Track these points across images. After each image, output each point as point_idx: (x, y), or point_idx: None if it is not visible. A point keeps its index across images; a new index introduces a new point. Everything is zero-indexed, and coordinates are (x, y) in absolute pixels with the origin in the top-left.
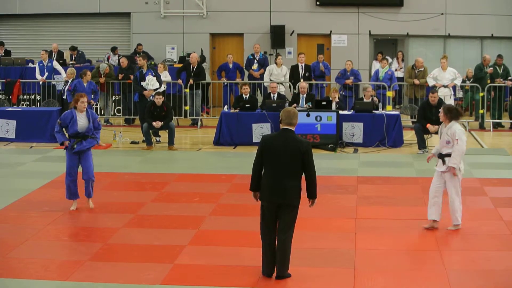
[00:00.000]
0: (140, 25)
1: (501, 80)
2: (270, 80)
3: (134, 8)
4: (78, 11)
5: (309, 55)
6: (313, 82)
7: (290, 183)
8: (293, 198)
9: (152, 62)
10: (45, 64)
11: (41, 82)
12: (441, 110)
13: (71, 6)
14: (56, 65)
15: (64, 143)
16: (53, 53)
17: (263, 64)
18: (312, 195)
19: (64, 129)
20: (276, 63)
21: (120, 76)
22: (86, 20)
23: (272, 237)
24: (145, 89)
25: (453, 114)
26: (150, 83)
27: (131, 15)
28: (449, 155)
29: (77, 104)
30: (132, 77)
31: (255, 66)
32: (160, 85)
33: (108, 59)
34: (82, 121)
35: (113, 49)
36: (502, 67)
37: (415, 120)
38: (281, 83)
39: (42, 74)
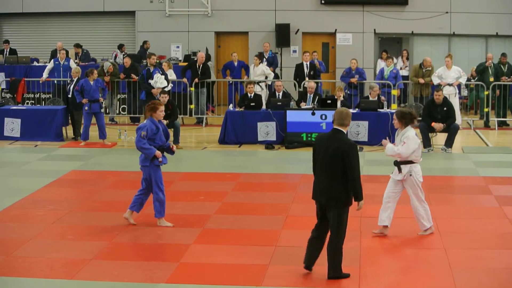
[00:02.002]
0: (145, 24)
1: (506, 78)
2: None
3: (139, 7)
4: (83, 9)
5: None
6: (321, 81)
7: (331, 183)
8: (333, 199)
9: (158, 61)
10: (62, 63)
11: (55, 81)
12: (394, 115)
13: (75, 4)
14: (72, 64)
15: (157, 155)
16: (58, 52)
17: (272, 62)
18: (355, 197)
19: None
20: (254, 63)
21: (122, 76)
22: (90, 18)
23: (315, 234)
24: (153, 87)
25: (407, 119)
26: (159, 81)
27: (136, 14)
28: (404, 162)
29: (155, 112)
30: (134, 76)
31: (263, 65)
32: (168, 84)
33: (115, 57)
34: (165, 131)
35: (120, 46)
36: (506, 65)
37: (420, 118)
38: (258, 83)
39: (57, 73)
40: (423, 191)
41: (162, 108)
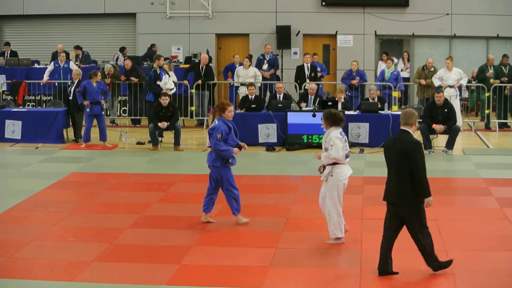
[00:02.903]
0: (145, 26)
1: (505, 79)
2: (240, 81)
3: (140, 9)
4: (84, 11)
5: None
6: (322, 82)
7: (399, 183)
8: (403, 198)
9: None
10: (62, 65)
11: (56, 83)
12: (322, 115)
13: (76, 6)
14: (72, 66)
15: (235, 151)
16: (58, 54)
17: (273, 64)
18: (422, 194)
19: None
20: (243, 65)
21: (123, 78)
22: (91, 20)
23: (386, 237)
24: (161, 89)
25: (333, 120)
26: (168, 82)
27: (137, 16)
28: (328, 164)
29: (224, 113)
30: (133, 78)
31: (265, 67)
32: (175, 86)
33: (117, 60)
34: (234, 131)
35: (122, 49)
36: (508, 67)
37: (421, 120)
38: (251, 85)
39: (58, 75)
40: (340, 196)
41: (231, 108)
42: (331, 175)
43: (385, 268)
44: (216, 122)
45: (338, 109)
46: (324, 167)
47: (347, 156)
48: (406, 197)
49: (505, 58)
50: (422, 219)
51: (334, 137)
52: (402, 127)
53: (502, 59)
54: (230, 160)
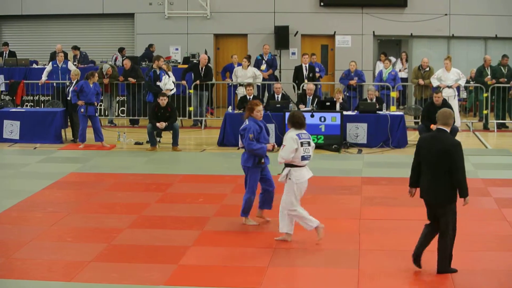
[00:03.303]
0: (144, 26)
1: (505, 80)
2: (238, 81)
3: (138, 9)
4: (82, 12)
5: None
6: (320, 83)
7: (437, 182)
8: (441, 196)
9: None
10: (60, 65)
11: (54, 83)
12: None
13: (74, 6)
14: (70, 66)
15: (269, 147)
16: (57, 54)
17: (271, 64)
18: (461, 194)
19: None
20: (242, 65)
21: (121, 79)
22: (90, 21)
23: (426, 230)
24: (161, 89)
25: (291, 121)
26: (168, 83)
27: (135, 16)
28: (287, 165)
29: (252, 112)
30: (131, 79)
31: (263, 67)
32: (174, 86)
33: (115, 60)
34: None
35: (121, 50)
36: (506, 67)
37: (419, 120)
38: (250, 85)
39: (56, 75)
40: (298, 200)
41: (259, 107)
42: (289, 178)
43: (416, 258)
44: (247, 123)
45: (337, 109)
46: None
47: (304, 159)
48: (444, 196)
49: (505, 58)
50: (455, 220)
51: (289, 137)
52: (441, 127)
53: (502, 60)
54: (263, 160)
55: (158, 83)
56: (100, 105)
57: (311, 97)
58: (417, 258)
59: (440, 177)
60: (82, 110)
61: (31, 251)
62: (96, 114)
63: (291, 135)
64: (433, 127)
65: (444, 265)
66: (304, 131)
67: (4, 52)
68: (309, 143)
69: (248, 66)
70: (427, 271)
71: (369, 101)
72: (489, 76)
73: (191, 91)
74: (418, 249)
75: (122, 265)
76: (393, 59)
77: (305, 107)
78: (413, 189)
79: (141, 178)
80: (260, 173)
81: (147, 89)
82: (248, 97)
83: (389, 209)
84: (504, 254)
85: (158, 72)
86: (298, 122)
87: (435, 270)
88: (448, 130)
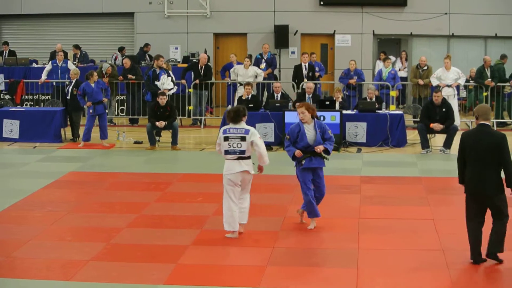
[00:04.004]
0: (144, 25)
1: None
2: (239, 80)
3: (138, 8)
4: (82, 11)
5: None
6: (320, 82)
7: (487, 175)
8: (492, 189)
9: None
10: (60, 64)
11: (54, 83)
12: None
13: (74, 6)
14: (70, 65)
15: (296, 154)
16: (57, 53)
17: (271, 63)
18: (508, 184)
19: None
20: (244, 64)
21: (120, 78)
22: (89, 20)
23: (474, 226)
24: (159, 89)
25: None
26: (166, 82)
27: (135, 15)
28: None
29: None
30: (130, 76)
31: (262, 66)
32: (174, 86)
33: (115, 59)
34: (310, 133)
35: (121, 49)
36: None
37: (419, 119)
38: (248, 85)
39: (56, 74)
40: (229, 191)
41: (300, 109)
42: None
43: (477, 258)
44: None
45: (336, 108)
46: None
47: (228, 153)
48: (495, 187)
49: (505, 58)
50: (507, 208)
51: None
52: (483, 122)
53: (502, 60)
54: (302, 162)
55: (156, 82)
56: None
57: (310, 96)
58: (478, 256)
59: (490, 169)
60: (91, 111)
61: (30, 250)
62: (106, 111)
63: (222, 129)
64: (432, 125)
65: (498, 247)
66: (236, 126)
67: (4, 51)
68: (241, 138)
69: (249, 65)
70: (424, 270)
71: (369, 100)
72: (489, 79)
73: (191, 90)
74: (476, 248)
75: (121, 264)
76: (392, 58)
77: None
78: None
79: (140, 177)
80: (313, 176)
81: (146, 88)
82: (247, 96)
83: (388, 208)
84: (503, 253)
85: (157, 71)
86: (228, 117)
87: (432, 270)
88: (489, 124)
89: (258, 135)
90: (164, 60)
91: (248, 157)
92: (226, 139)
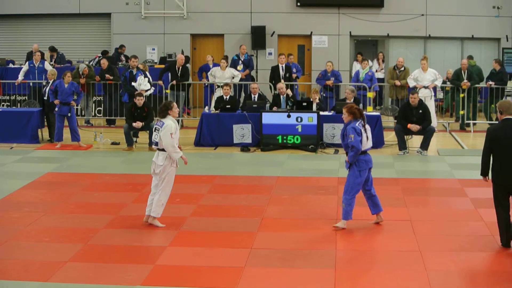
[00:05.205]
0: (120, 26)
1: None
2: (216, 82)
3: (115, 9)
4: (59, 11)
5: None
6: (297, 83)
7: None
8: None
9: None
10: (36, 65)
11: (31, 83)
12: None
13: (51, 6)
14: (47, 66)
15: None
16: (33, 54)
17: (248, 65)
18: None
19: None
20: (220, 66)
21: (97, 79)
22: (66, 20)
23: (504, 213)
24: (136, 90)
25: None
26: (143, 83)
27: (112, 16)
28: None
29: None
30: (108, 76)
31: (240, 67)
32: (151, 86)
33: (97, 62)
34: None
35: (104, 53)
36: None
37: (396, 121)
38: (226, 85)
39: (32, 75)
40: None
41: (343, 111)
42: None
43: (507, 242)
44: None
45: (313, 109)
46: None
47: (153, 144)
48: None
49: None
50: None
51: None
52: (507, 116)
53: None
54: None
55: (133, 83)
56: (77, 106)
57: (285, 96)
58: (508, 240)
59: None
60: (57, 109)
61: (7, 251)
62: (69, 114)
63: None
64: (410, 126)
65: None
66: (162, 120)
67: None
68: (158, 130)
69: (226, 67)
70: (402, 271)
71: (347, 101)
72: (465, 81)
73: (168, 91)
74: (507, 232)
75: (99, 265)
76: (370, 63)
77: (280, 108)
78: (487, 177)
79: (118, 178)
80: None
81: (123, 89)
82: (224, 97)
83: (366, 209)
84: (481, 255)
85: (134, 72)
86: (163, 111)
87: (410, 270)
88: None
89: (168, 130)
90: (137, 61)
91: (162, 150)
92: (154, 130)
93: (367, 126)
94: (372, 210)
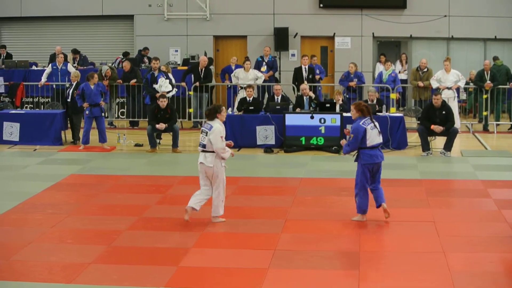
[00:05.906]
0: (143, 28)
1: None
2: (240, 83)
3: (138, 11)
4: (82, 13)
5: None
6: (320, 84)
7: None
8: None
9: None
10: (59, 67)
11: (54, 85)
12: None
13: (74, 8)
14: (70, 68)
15: None
16: (56, 56)
17: (272, 66)
18: None
19: None
20: (244, 67)
21: (120, 82)
22: (89, 22)
23: None
24: (157, 92)
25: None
26: (164, 85)
27: (135, 18)
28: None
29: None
30: (132, 83)
31: (263, 68)
32: (173, 88)
33: (118, 63)
34: None
35: (125, 54)
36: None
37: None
38: (250, 87)
39: (55, 77)
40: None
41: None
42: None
43: None
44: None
45: (337, 111)
46: None
47: (200, 145)
48: None
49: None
50: None
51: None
52: None
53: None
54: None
55: (154, 85)
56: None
57: (308, 97)
58: None
59: None
60: (87, 112)
61: (31, 253)
62: (102, 115)
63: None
64: (433, 127)
65: None
66: (209, 123)
67: (2, 55)
68: (206, 133)
69: (249, 68)
70: (426, 272)
71: (370, 102)
72: (488, 82)
73: (191, 92)
74: None
75: (122, 267)
76: (392, 65)
77: (303, 109)
78: None
79: (141, 179)
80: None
81: (145, 91)
82: (248, 98)
83: (390, 210)
84: (504, 256)
85: (156, 74)
86: (213, 113)
87: (434, 272)
88: None
89: (218, 134)
90: (159, 63)
91: (209, 151)
92: (201, 132)
93: (376, 123)
94: (376, 203)
